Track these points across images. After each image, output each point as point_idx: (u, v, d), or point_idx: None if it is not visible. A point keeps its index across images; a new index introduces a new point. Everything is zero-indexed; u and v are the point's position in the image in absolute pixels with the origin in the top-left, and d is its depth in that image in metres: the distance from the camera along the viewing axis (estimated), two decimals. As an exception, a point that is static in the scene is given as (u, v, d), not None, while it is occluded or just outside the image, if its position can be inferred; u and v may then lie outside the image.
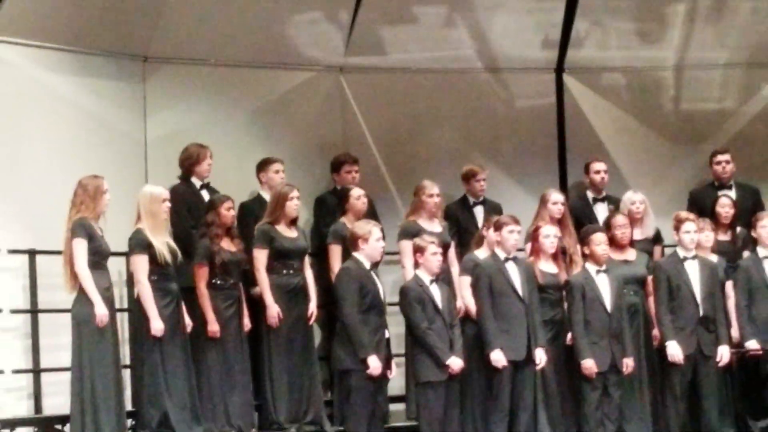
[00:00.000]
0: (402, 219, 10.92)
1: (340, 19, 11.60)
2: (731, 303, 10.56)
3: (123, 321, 9.74)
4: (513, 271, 10.09)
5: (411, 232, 10.30)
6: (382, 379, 9.70)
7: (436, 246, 9.82)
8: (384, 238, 9.95)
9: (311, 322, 10.22)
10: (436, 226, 10.63)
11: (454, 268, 10.58)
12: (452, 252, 10.69)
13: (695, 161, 12.12)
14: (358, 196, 10.64)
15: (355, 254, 9.77)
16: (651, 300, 10.61)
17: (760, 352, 9.65)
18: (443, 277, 10.09)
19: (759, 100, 12.46)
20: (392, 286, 10.57)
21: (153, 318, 9.25)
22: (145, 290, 9.27)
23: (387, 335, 9.78)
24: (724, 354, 10.33)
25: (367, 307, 9.63)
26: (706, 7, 12.23)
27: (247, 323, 9.99)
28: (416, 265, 9.87)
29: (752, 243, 10.75)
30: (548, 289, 10.35)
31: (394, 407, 10.54)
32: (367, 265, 9.74)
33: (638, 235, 10.99)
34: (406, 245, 10.13)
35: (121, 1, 10.52)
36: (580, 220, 11.11)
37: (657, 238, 11.26)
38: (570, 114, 12.27)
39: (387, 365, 9.75)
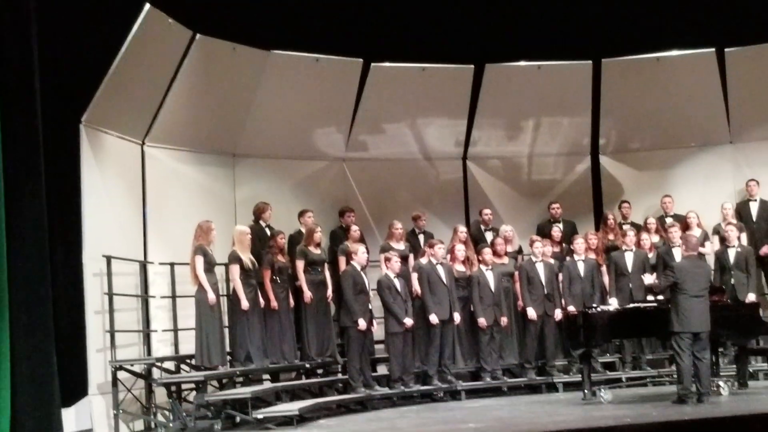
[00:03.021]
0: (379, 243, 10.85)
1: (342, 130, 11.39)
2: (561, 285, 10.57)
3: (223, 301, 9.52)
4: (441, 270, 10.10)
5: (386, 249, 10.26)
6: (368, 331, 9.66)
7: (397, 257, 9.85)
8: (368, 252, 9.96)
9: (329, 300, 10.12)
10: (401, 245, 10.57)
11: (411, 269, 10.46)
12: (411, 260, 10.57)
13: (540, 207, 11.91)
14: (355, 230, 10.50)
15: (352, 262, 9.78)
16: (517, 285, 10.62)
17: (576, 313, 9.58)
18: (403, 274, 10.02)
19: (573, 176, 12.18)
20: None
21: (242, 299, 9.20)
22: (238, 285, 9.20)
23: (371, 307, 9.72)
24: (557, 314, 10.46)
25: (358, 292, 9.57)
26: (542, 123, 11.85)
27: (291, 302, 9.84)
28: (387, 267, 9.84)
29: (571, 253, 10.73)
30: (460, 280, 10.37)
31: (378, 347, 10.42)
32: (359, 268, 9.71)
33: (510, 248, 10.99)
34: (383, 257, 10.05)
35: (220, 120, 10.38)
36: (476, 241, 11.03)
37: (520, 251, 11.26)
38: (471, 183, 12.06)
39: (371, 323, 9.71)
